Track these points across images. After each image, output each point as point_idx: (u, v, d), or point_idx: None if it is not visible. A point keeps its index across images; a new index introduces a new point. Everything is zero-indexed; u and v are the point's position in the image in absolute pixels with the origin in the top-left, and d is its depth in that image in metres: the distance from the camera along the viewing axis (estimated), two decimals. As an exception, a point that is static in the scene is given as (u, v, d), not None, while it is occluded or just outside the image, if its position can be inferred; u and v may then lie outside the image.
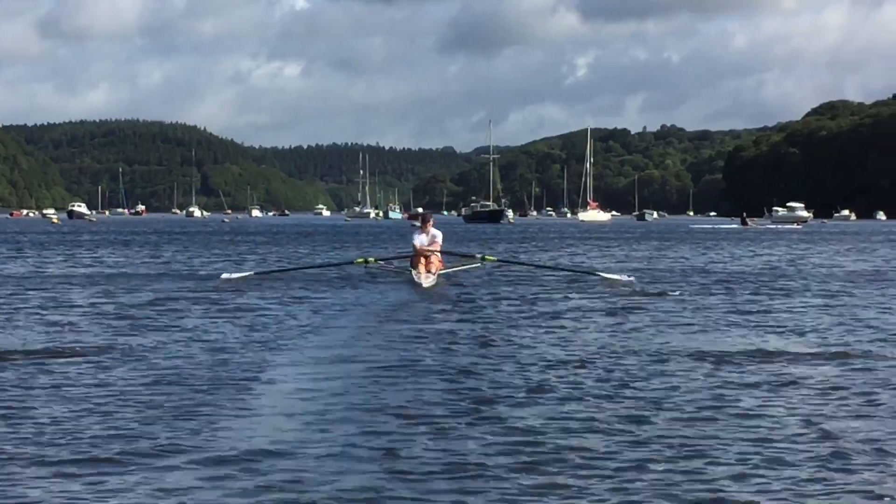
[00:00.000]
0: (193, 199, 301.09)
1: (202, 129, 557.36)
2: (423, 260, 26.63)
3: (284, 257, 43.43)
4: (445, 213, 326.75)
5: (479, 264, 29.74)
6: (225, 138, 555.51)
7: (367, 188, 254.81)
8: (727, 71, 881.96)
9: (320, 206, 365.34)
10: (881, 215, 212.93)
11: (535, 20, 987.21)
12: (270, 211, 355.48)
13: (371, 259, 29.59)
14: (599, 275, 28.03)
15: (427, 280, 25.65)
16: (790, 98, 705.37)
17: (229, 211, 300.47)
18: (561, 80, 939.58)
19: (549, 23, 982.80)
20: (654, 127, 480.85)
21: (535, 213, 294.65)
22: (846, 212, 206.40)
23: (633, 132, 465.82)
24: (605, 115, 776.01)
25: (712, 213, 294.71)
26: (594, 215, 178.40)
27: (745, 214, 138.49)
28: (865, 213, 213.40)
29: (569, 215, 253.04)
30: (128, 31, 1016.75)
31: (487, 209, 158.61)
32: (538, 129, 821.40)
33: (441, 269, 27.25)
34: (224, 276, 27.52)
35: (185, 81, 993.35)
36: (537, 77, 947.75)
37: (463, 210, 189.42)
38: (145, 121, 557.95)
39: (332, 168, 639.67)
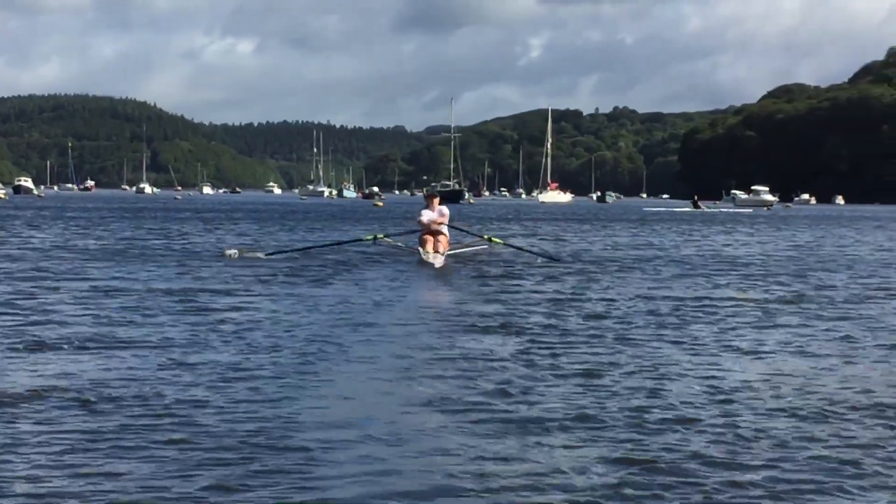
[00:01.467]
0: (144, 175, 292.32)
1: (152, 104, 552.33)
2: (430, 238, 26.53)
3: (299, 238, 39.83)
4: (397, 192, 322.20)
5: (486, 245, 29.13)
6: (175, 114, 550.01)
7: (321, 166, 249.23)
8: (681, 53, 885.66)
9: (271, 183, 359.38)
10: (840, 200, 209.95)
11: (491, 1, 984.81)
12: (221, 188, 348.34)
13: (380, 235, 29.64)
14: None
15: (437, 260, 25.10)
16: (743, 81, 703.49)
17: (180, 188, 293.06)
18: (515, 60, 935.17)
19: (505, 3, 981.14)
20: (606, 108, 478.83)
21: (486, 193, 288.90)
22: (806, 196, 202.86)
23: (585, 113, 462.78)
24: (558, 96, 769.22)
25: (665, 196, 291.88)
26: (555, 196, 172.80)
27: (696, 198, 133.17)
28: (824, 197, 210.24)
29: (523, 196, 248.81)
30: (82, 5, 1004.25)
31: (448, 189, 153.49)
32: (491, 110, 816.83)
33: (448, 250, 26.75)
34: (228, 252, 27.01)
35: (137, 57, 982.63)
36: (491, 57, 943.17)
37: (425, 189, 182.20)
38: (95, 96, 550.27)
39: (282, 146, 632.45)
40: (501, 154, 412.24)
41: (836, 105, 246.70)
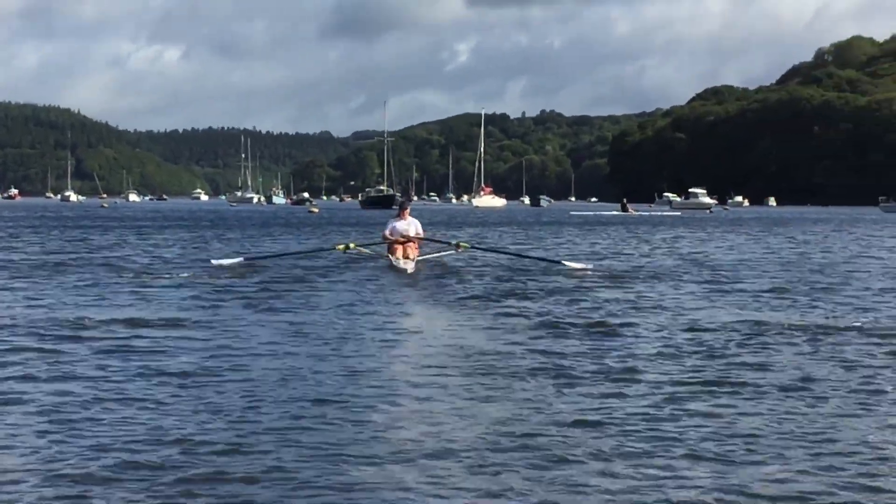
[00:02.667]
0: (69, 182, 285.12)
1: (76, 111, 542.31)
2: (400, 246, 26.05)
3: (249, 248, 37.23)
4: (325, 197, 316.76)
5: (453, 251, 28.36)
6: (100, 121, 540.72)
7: (249, 172, 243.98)
8: (609, 57, 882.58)
9: (198, 190, 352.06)
10: (772, 201, 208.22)
11: (419, 5, 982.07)
12: (147, 195, 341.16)
13: (351, 245, 28.85)
14: (565, 264, 25.99)
15: (408, 265, 24.93)
16: (670, 84, 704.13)
17: (105, 195, 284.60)
18: (442, 65, 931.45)
19: (432, 8, 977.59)
20: (534, 112, 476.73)
21: (415, 198, 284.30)
22: (739, 198, 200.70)
23: (512, 117, 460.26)
24: (486, 101, 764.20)
25: (594, 199, 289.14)
26: (489, 201, 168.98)
27: (625, 201, 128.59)
28: (756, 199, 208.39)
29: (453, 200, 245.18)
30: (6, 13, 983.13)
31: (381, 194, 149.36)
32: (419, 115, 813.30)
33: (418, 256, 26.35)
34: (214, 261, 25.99)
35: (61, 65, 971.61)
36: (419, 62, 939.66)
37: (360, 196, 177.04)
38: (18, 103, 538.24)
39: (207, 152, 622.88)
40: (429, 159, 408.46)
41: (766, 107, 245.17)
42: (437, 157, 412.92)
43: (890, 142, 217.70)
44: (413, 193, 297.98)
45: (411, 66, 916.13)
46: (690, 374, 11.18)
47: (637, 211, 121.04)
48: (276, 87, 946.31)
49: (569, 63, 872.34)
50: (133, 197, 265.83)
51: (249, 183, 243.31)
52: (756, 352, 12.77)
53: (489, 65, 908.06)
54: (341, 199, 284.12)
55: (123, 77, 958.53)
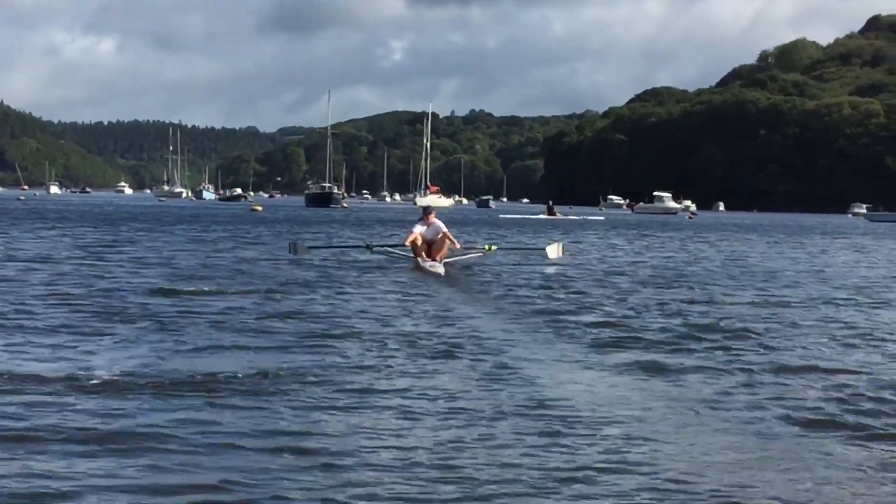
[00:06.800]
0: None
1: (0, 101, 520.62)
2: (426, 246, 24.74)
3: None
4: (252, 193, 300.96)
5: (480, 253, 28.02)
6: (23, 111, 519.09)
7: (177, 167, 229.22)
8: (542, 58, 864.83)
9: (122, 183, 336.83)
10: (721, 206, 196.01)
11: (360, 2, 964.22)
12: (70, 187, 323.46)
13: (376, 245, 28.08)
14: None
15: (436, 268, 23.61)
16: (603, 86, 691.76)
17: (25, 187, 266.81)
18: (377, 63, 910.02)
19: (371, 5, 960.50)
20: (465, 112, 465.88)
21: (344, 195, 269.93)
22: (688, 202, 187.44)
23: (441, 116, 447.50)
24: (418, 100, 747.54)
25: (525, 200, 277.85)
26: (435, 200, 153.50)
27: (550, 203, 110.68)
28: (702, 203, 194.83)
29: (388, 199, 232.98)
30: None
31: (322, 191, 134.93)
32: (351, 111, 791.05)
33: (445, 257, 25.02)
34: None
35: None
36: (353, 60, 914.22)
37: (305, 192, 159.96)
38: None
39: (132, 145, 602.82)
40: (357, 156, 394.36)
41: (711, 108, 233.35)
42: (365, 155, 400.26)
43: (839, 148, 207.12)
44: (343, 191, 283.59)
45: (346, 63, 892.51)
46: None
47: (564, 215, 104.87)
48: (210, 81, 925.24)
49: (502, 64, 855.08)
50: (54, 189, 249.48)
51: (177, 177, 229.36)
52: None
53: (423, 63, 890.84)
54: (270, 196, 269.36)
55: (56, 67, 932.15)
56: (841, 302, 20.07)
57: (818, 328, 15.76)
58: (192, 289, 18.90)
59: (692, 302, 19.07)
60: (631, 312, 17.11)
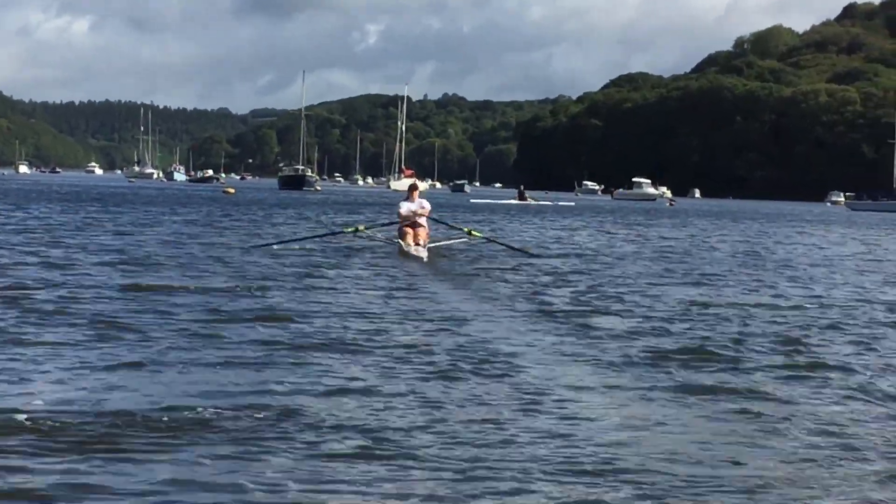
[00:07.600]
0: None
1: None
2: (410, 230, 24.88)
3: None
4: (223, 175, 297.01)
5: (465, 238, 27.22)
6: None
7: (148, 148, 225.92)
8: (518, 43, 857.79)
9: (93, 164, 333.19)
10: (697, 193, 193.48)
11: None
12: (40, 167, 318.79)
13: (361, 227, 27.58)
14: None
15: (419, 252, 23.80)
16: (576, 72, 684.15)
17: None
18: (352, 46, 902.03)
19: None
20: (437, 96, 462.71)
21: (316, 177, 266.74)
22: (664, 188, 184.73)
23: (414, 100, 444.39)
24: (393, 83, 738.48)
25: (498, 185, 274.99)
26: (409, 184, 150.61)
27: (522, 188, 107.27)
28: (678, 190, 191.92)
29: (360, 182, 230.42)
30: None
31: (296, 173, 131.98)
32: (326, 94, 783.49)
33: (429, 242, 25.13)
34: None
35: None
36: (329, 42, 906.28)
37: (278, 174, 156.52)
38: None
39: (103, 126, 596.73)
40: (330, 139, 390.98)
41: (687, 94, 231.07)
42: (338, 138, 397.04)
43: (815, 135, 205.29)
44: (316, 174, 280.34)
45: (321, 45, 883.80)
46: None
47: (536, 200, 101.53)
48: (184, 62, 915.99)
49: (477, 48, 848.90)
50: (23, 168, 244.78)
51: (148, 158, 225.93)
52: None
53: (398, 47, 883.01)
54: (242, 178, 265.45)
55: (29, 47, 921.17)
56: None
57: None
58: (149, 283, 16.04)
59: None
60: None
